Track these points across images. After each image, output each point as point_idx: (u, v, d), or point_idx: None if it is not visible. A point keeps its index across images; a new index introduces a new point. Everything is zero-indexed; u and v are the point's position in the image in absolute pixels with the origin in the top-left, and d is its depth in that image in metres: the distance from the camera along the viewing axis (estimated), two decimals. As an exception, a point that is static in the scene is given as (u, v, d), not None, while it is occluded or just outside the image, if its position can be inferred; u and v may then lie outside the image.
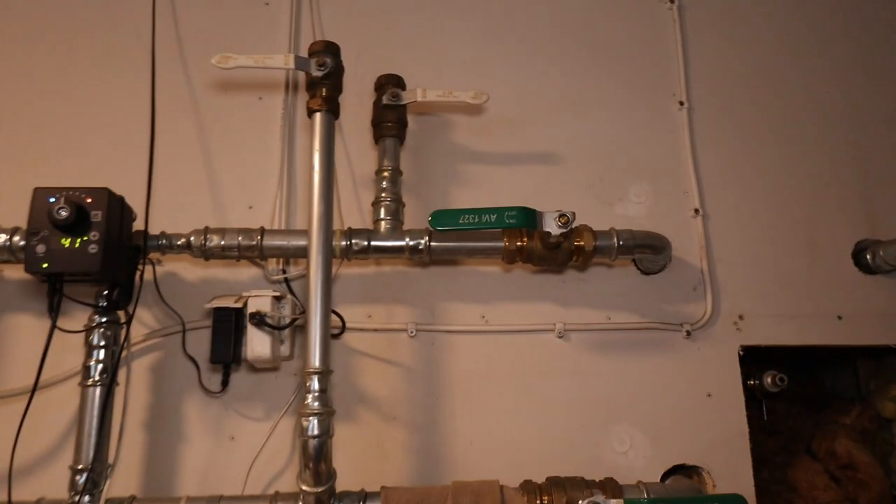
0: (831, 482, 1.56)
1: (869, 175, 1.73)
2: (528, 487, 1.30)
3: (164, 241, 1.40)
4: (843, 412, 1.73)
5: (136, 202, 1.37)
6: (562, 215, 1.33)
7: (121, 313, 1.36)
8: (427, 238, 1.43)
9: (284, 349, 1.41)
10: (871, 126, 1.78)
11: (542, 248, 1.41)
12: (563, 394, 1.51)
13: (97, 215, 1.22)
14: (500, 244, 1.43)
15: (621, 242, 1.45)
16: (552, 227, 1.34)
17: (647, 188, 1.67)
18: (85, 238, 1.20)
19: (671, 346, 1.56)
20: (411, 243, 1.43)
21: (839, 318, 1.61)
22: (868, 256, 1.64)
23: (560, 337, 1.54)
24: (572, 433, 1.49)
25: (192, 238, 1.40)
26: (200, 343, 1.47)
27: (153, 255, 1.43)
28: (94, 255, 1.20)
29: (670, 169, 1.69)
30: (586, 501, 1.18)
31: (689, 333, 1.56)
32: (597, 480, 1.30)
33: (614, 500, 1.18)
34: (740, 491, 1.38)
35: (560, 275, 1.59)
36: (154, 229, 1.41)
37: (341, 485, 1.30)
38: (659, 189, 1.67)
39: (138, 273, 1.36)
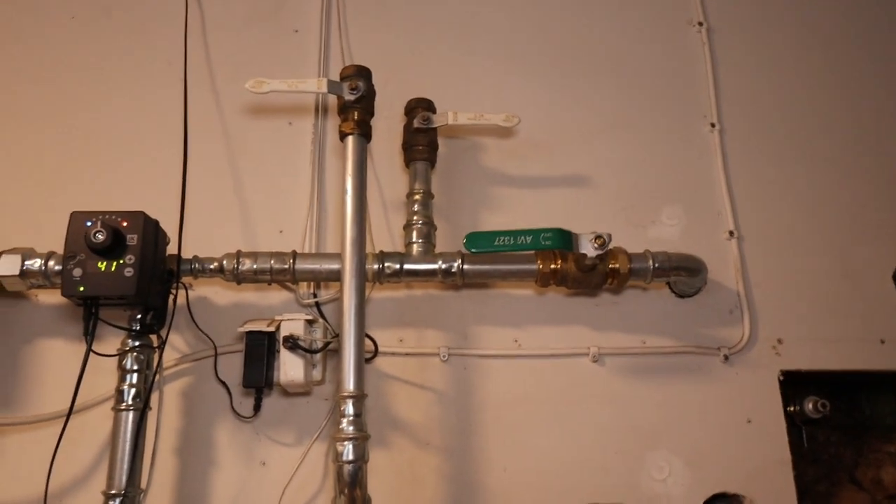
0: (878, 512, 1.51)
1: (907, 196, 1.70)
2: (566, 516, 1.26)
3: (196, 265, 1.40)
4: (887, 440, 1.67)
5: (168, 226, 1.37)
6: (598, 237, 1.32)
7: (153, 337, 1.36)
8: (460, 261, 1.41)
9: (316, 373, 1.39)
10: (909, 146, 1.75)
11: (577, 270, 1.40)
12: (599, 419, 1.48)
13: (133, 239, 1.22)
14: (534, 267, 1.41)
15: (657, 265, 1.43)
16: (588, 248, 1.32)
17: (679, 211, 1.65)
18: (121, 261, 1.21)
19: (708, 371, 1.52)
20: (444, 266, 1.42)
21: (882, 342, 1.57)
22: (906, 278, 1.60)
23: (594, 361, 1.51)
24: (608, 460, 1.45)
25: (224, 262, 1.40)
26: (232, 368, 1.46)
27: (185, 279, 1.43)
28: (130, 278, 1.20)
29: (703, 191, 1.67)
30: (629, 530, 1.15)
31: (726, 358, 1.53)
32: (637, 509, 1.27)
33: (659, 529, 1.15)
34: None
35: (594, 298, 1.56)
36: (186, 254, 1.41)
37: (374, 512, 1.27)
38: (692, 211, 1.65)
39: (171, 297, 1.36)
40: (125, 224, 1.23)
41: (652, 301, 1.57)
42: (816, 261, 1.62)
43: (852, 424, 1.81)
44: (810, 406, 1.59)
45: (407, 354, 1.51)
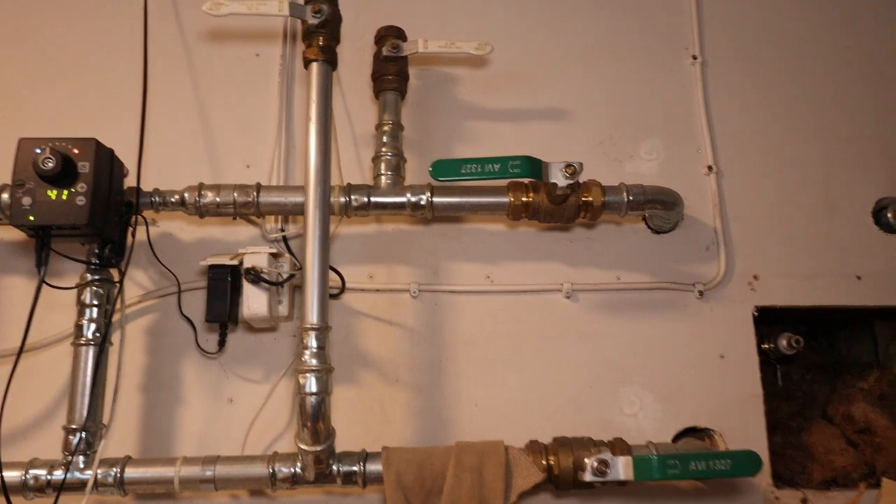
0: (848, 446, 1.51)
1: (890, 131, 1.66)
2: (534, 447, 1.26)
3: (157, 198, 1.35)
4: (860, 377, 1.67)
5: (128, 159, 1.33)
6: (568, 165, 1.28)
7: (114, 272, 1.32)
8: (429, 194, 1.37)
9: (283, 309, 1.37)
10: (893, 81, 1.70)
11: (549, 202, 1.36)
12: (571, 355, 1.47)
13: (85, 167, 1.17)
14: (505, 199, 1.37)
15: (631, 198, 1.39)
16: (558, 177, 1.28)
17: (658, 145, 1.61)
18: (72, 190, 1.16)
19: (683, 307, 1.50)
20: (413, 199, 1.38)
21: (858, 278, 1.55)
22: (889, 215, 1.57)
23: (568, 297, 1.49)
24: (580, 395, 1.44)
25: (186, 194, 1.35)
26: (197, 304, 1.43)
27: (147, 214, 1.39)
28: (82, 207, 1.15)
29: (683, 125, 1.63)
30: (594, 458, 1.14)
31: (701, 294, 1.51)
32: (605, 441, 1.26)
33: (623, 457, 1.14)
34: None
35: (567, 233, 1.53)
36: (147, 188, 1.36)
37: (342, 447, 1.26)
38: (671, 146, 1.61)
39: (131, 230, 1.32)
40: (76, 151, 1.18)
41: (627, 236, 1.54)
42: (796, 196, 1.59)
43: (828, 363, 1.81)
44: (784, 343, 1.58)
45: (377, 291, 1.48)
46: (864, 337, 1.87)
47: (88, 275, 1.29)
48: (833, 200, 1.60)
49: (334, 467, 1.22)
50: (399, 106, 1.48)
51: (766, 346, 1.63)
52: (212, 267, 1.33)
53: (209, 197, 1.35)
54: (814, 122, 1.65)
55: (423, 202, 1.37)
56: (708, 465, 1.14)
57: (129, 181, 1.34)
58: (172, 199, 1.35)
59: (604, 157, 1.59)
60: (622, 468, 1.13)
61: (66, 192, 1.15)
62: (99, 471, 1.20)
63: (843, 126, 1.65)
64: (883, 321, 1.77)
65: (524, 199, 1.37)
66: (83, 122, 1.55)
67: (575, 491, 1.33)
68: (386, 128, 1.44)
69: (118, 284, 1.30)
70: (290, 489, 1.25)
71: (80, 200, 1.15)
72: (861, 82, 1.69)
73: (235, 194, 1.35)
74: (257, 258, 1.31)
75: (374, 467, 1.24)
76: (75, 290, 1.29)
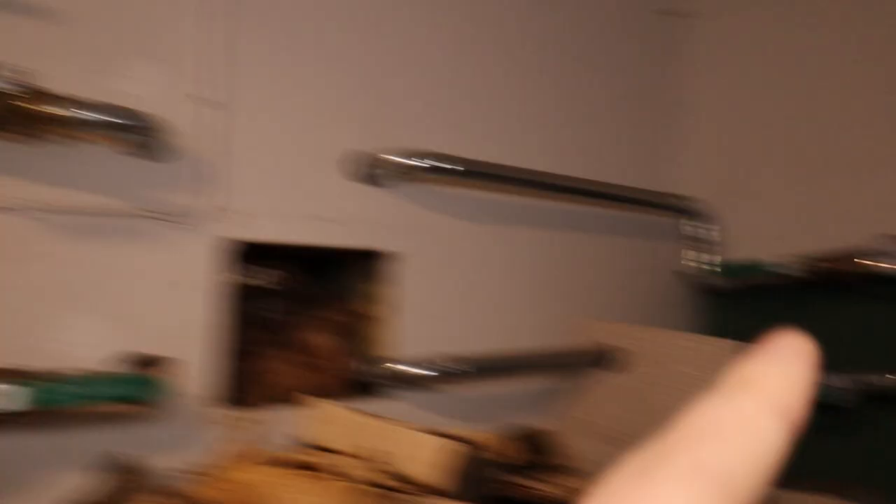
0: (298, 368, 1.71)
1: (358, 93, 1.81)
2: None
3: None
4: (325, 307, 1.89)
5: None
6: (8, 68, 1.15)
7: None
8: None
9: None
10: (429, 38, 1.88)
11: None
12: (26, 280, 1.36)
13: None
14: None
15: (102, 117, 1.33)
16: (-1, 80, 1.15)
17: (155, 68, 1.54)
18: None
19: (155, 236, 1.49)
20: None
21: (330, 221, 1.73)
22: (353, 165, 1.77)
23: (34, 219, 1.36)
24: (27, 322, 1.35)
25: None
26: None
27: None
28: None
29: (186, 51, 1.58)
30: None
31: (180, 224, 1.52)
32: (23, 369, 1.20)
33: (17, 387, 1.09)
34: (209, 380, 1.41)
35: (36, 149, 1.39)
36: None
37: None
38: (168, 70, 1.55)
39: None
40: None
41: (106, 160, 1.45)
42: (288, 138, 1.68)
43: (309, 296, 2.01)
44: (263, 276, 1.71)
45: None
46: (347, 275, 2.13)
47: None
48: (317, 147, 1.73)
49: None
50: None
51: (249, 279, 1.74)
52: None
53: None
54: (327, 60, 1.75)
55: None
56: (111, 389, 1.16)
57: None
58: None
59: (94, 72, 1.47)
60: (16, 397, 1.09)
61: None
62: None
63: (328, 84, 1.76)
64: (357, 261, 2.03)
65: (-35, 99, 1.20)
66: None
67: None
68: None
69: None
70: None
71: None
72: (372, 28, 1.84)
73: None
74: None
75: None
76: None
